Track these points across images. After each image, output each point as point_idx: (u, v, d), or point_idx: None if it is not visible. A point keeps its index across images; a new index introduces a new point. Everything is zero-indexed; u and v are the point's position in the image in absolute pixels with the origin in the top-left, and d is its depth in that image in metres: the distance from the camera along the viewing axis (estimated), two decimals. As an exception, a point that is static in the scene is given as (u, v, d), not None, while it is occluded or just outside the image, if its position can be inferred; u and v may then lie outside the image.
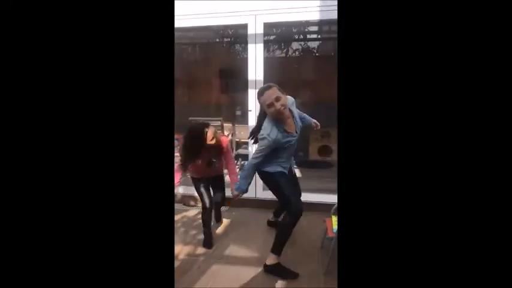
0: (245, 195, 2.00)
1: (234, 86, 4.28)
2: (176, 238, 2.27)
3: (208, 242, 2.18)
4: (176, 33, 3.42)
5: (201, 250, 2.13)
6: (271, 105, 1.71)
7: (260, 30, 2.63)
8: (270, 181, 1.93)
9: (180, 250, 2.12)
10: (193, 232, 2.41)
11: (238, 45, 5.24)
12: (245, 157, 3.43)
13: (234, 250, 2.12)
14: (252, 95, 2.67)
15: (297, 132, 1.89)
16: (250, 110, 2.73)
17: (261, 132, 1.79)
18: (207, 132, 2.00)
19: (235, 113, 4.50)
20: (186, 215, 2.75)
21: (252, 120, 2.65)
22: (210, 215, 2.25)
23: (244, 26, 2.69)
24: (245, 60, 2.74)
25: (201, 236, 2.23)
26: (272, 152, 1.82)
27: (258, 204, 2.81)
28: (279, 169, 1.89)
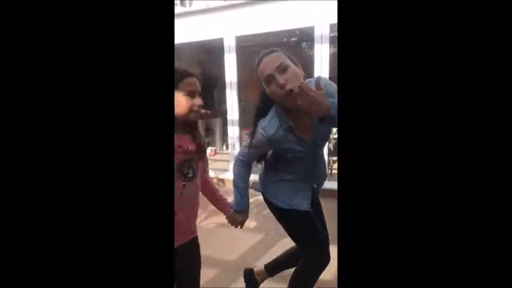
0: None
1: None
2: (251, 216, 2.67)
3: None
4: (244, 38, 3.78)
5: (271, 225, 2.47)
6: (270, 79, 1.00)
7: (326, 31, 2.84)
8: (286, 221, 1.26)
9: (255, 226, 2.52)
10: (265, 212, 2.78)
11: (305, 43, 5.43)
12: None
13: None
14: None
15: (314, 142, 1.13)
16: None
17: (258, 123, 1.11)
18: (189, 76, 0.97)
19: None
20: (258, 199, 3.14)
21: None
22: None
23: (311, 29, 2.93)
24: (311, 57, 2.98)
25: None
26: (273, 162, 1.22)
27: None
28: (297, 203, 1.18)
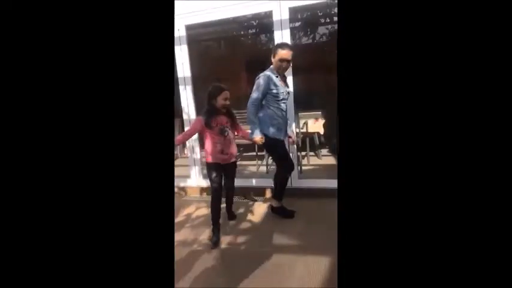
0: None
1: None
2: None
3: (215, 242, 2.14)
4: (199, 30, 3.44)
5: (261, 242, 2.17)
6: (283, 60, 2.18)
7: (286, 15, 2.58)
8: (274, 148, 2.32)
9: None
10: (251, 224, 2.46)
11: (264, 35, 5.18)
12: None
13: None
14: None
15: (287, 88, 2.32)
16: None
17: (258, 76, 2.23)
18: (223, 91, 2.10)
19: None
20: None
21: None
22: (219, 206, 2.20)
23: (269, 14, 2.65)
24: (271, 51, 2.69)
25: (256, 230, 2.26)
26: (267, 101, 2.21)
27: (294, 192, 2.80)
28: (277, 135, 2.27)
